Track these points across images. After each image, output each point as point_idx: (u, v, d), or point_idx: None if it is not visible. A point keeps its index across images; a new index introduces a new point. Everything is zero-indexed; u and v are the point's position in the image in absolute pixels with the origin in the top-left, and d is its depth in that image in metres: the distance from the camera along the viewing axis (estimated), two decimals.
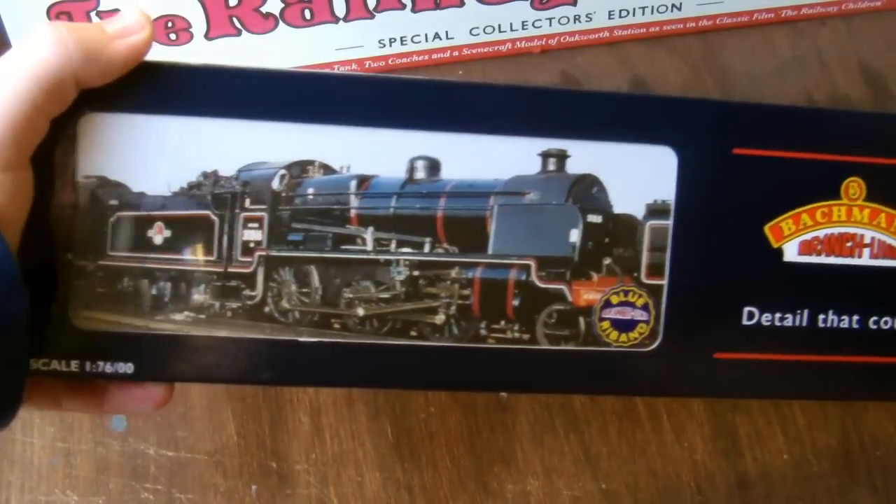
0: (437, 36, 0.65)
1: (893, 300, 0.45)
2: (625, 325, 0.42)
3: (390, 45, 0.65)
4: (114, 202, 0.39)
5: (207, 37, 0.62)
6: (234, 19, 0.62)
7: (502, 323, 0.41)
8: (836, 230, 0.44)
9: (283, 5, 0.61)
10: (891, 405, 0.54)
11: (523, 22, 0.65)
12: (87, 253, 0.39)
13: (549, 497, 0.51)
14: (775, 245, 0.43)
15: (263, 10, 0.61)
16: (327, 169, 0.40)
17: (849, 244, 0.44)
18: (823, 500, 0.51)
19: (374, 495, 0.52)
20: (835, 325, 0.44)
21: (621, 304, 0.42)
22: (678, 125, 0.41)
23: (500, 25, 0.65)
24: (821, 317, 0.44)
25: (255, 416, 0.54)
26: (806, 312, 0.44)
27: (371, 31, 0.64)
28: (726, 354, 0.43)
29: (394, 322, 0.41)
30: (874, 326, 0.45)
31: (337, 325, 0.41)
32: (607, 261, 0.42)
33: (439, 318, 0.41)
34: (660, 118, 0.41)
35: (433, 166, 0.40)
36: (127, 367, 0.40)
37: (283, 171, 0.40)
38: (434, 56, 0.66)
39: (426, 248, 0.41)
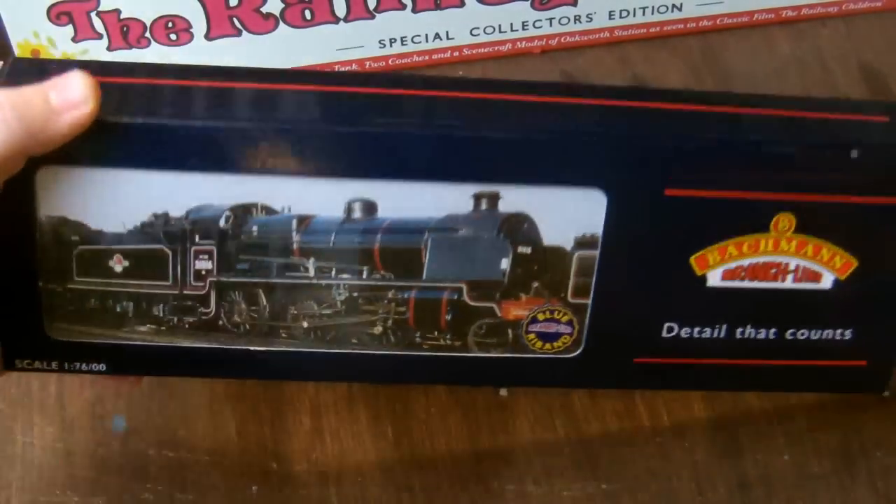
0: (437, 36, 0.65)
1: (810, 315, 0.47)
2: (550, 337, 0.46)
3: (391, 46, 0.65)
4: (75, 238, 0.43)
5: (208, 37, 0.62)
6: (235, 19, 0.62)
7: (435, 333, 0.45)
8: (762, 259, 0.45)
9: (283, 5, 0.61)
10: (892, 406, 0.54)
11: (524, 22, 0.65)
12: (56, 280, 0.43)
13: (549, 497, 0.52)
14: (699, 273, 0.45)
15: (264, 10, 0.61)
16: (269, 210, 0.43)
17: (773, 271, 0.46)
18: (824, 500, 0.51)
19: (374, 496, 0.52)
20: (752, 336, 0.47)
21: (547, 320, 0.45)
22: (607, 166, 0.42)
23: (500, 26, 0.65)
24: (738, 330, 0.47)
25: (256, 416, 0.54)
26: (724, 327, 0.46)
27: (371, 32, 0.64)
28: (646, 360, 0.47)
29: (336, 332, 0.45)
30: (790, 337, 0.47)
31: (284, 335, 0.45)
32: (535, 284, 0.45)
33: (377, 330, 0.45)
34: (588, 160, 0.42)
35: (369, 207, 0.43)
36: (100, 366, 0.45)
37: (227, 213, 0.43)
38: (434, 56, 0.66)
39: (364, 275, 0.44)
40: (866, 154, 0.43)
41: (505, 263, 0.44)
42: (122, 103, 0.41)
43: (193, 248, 0.43)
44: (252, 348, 0.45)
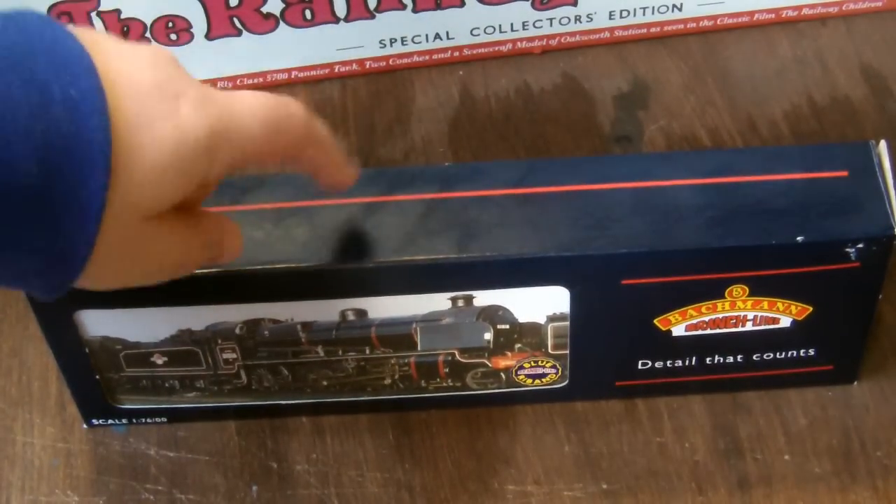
0: (437, 36, 0.65)
1: (773, 344, 0.51)
2: (538, 376, 0.52)
3: (391, 46, 0.65)
4: (118, 346, 0.50)
5: (208, 37, 0.62)
6: (235, 19, 0.62)
7: (437, 380, 0.52)
8: (721, 315, 0.50)
9: (283, 5, 0.61)
10: (892, 406, 0.54)
11: (524, 22, 0.65)
12: (111, 371, 0.52)
13: (549, 497, 0.52)
14: (664, 329, 0.50)
15: (264, 10, 0.61)
16: (275, 321, 0.50)
17: (732, 321, 0.50)
18: (824, 500, 0.51)
19: (374, 496, 0.52)
20: (720, 362, 0.52)
21: (533, 367, 0.52)
22: (568, 273, 0.47)
23: (500, 25, 0.65)
24: (707, 359, 0.52)
25: (256, 416, 0.54)
26: (694, 358, 0.52)
27: (372, 31, 0.64)
28: (626, 382, 0.53)
29: (352, 386, 0.52)
30: (756, 359, 0.52)
31: (309, 391, 0.53)
32: (518, 345, 0.51)
33: (387, 381, 0.52)
34: (550, 272, 0.47)
35: (361, 313, 0.49)
36: (161, 419, 0.54)
37: (241, 325, 0.50)
38: (435, 56, 0.66)
39: (367, 352, 0.51)
40: (810, 238, 0.46)
41: (488, 336, 0.50)
42: None
43: (218, 347, 0.51)
44: (283, 402, 0.53)
